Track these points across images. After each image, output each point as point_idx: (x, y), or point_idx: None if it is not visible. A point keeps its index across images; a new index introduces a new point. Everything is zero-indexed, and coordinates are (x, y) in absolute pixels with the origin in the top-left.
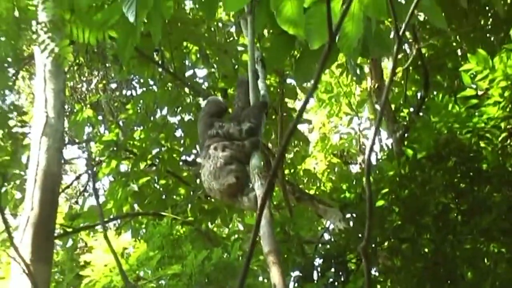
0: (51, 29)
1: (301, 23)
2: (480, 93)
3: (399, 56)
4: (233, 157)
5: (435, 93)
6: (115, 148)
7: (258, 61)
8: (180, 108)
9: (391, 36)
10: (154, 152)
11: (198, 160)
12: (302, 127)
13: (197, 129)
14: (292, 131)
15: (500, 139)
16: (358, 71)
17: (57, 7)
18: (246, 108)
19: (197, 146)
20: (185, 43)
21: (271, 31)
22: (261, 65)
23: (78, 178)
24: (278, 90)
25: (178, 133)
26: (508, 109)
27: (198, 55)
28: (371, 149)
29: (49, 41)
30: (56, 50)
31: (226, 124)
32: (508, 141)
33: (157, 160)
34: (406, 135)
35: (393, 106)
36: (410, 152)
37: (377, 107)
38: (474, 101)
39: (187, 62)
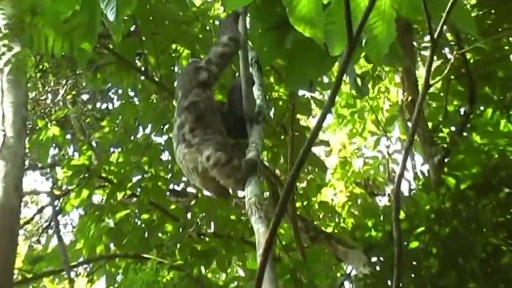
0: (7, 35)
1: (319, 23)
2: None
3: (438, 63)
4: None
5: (482, 108)
6: (86, 175)
7: (252, 64)
8: (167, 126)
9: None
10: (135, 179)
11: (188, 189)
12: (317, 150)
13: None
14: (305, 155)
15: None
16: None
17: (15, 8)
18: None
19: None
20: (174, 46)
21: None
22: (256, 68)
23: (40, 211)
24: (289, 104)
25: (165, 156)
26: None
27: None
28: (401, 177)
29: (5, 49)
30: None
31: (210, 53)
32: None
33: (139, 190)
34: (446, 160)
35: (430, 124)
36: (451, 181)
37: (410, 125)
38: None
39: (176, 69)
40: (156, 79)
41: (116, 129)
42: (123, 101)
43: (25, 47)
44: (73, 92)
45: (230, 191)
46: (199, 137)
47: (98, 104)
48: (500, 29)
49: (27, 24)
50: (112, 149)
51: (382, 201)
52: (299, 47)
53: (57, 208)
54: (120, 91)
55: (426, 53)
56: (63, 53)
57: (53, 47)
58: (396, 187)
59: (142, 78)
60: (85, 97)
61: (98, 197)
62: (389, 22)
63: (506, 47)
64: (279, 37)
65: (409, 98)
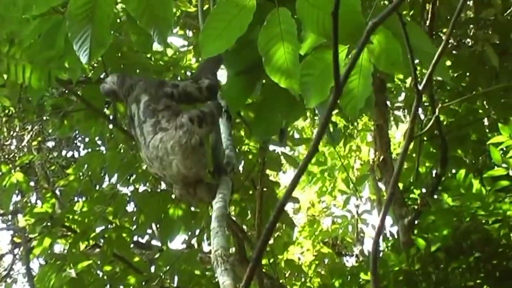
0: None
1: (295, 74)
2: None
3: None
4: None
5: (453, 171)
6: (49, 223)
7: (222, 113)
8: (134, 176)
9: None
10: (98, 230)
11: (153, 242)
12: (286, 207)
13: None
14: (278, 215)
15: None
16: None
17: None
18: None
19: (153, 226)
20: None
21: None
22: (226, 116)
23: (0, 259)
24: (258, 158)
25: (130, 207)
26: None
27: None
28: (379, 235)
29: None
30: None
31: (180, 83)
32: None
33: (102, 240)
34: (416, 221)
35: (401, 185)
36: (422, 242)
37: (381, 185)
38: (505, 182)
39: None
40: (125, 128)
41: (81, 177)
42: (90, 149)
43: None
44: (39, 139)
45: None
46: (173, 122)
47: (63, 152)
48: (474, 92)
49: (4, 54)
50: (76, 198)
51: (350, 261)
52: (269, 94)
53: (17, 256)
54: (86, 139)
55: (399, 113)
56: (41, 85)
57: (31, 78)
58: (373, 247)
59: (110, 126)
60: (50, 144)
61: (60, 247)
62: (366, 77)
63: (480, 111)
64: (249, 82)
65: (381, 157)
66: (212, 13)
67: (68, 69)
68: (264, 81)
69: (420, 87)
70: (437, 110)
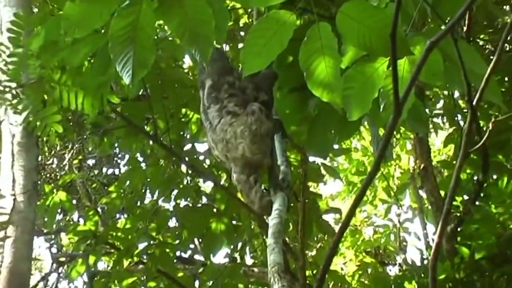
0: (33, 92)
1: (337, 88)
2: None
3: (451, 130)
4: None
5: (495, 177)
6: (92, 241)
7: (279, 129)
8: (176, 191)
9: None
10: (142, 246)
11: (196, 256)
12: (328, 217)
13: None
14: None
15: None
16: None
17: (45, 65)
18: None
19: (195, 240)
20: (183, 110)
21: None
22: (280, 133)
23: (44, 278)
24: (300, 170)
25: (172, 223)
26: None
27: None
28: (438, 247)
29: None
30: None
31: (244, 81)
32: None
33: (146, 257)
34: (459, 229)
35: (442, 192)
36: (465, 251)
37: (421, 193)
38: None
39: (185, 134)
40: (165, 144)
41: (123, 194)
42: (131, 166)
43: (52, 105)
44: (79, 157)
45: None
46: (243, 108)
47: (104, 169)
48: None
49: (56, 81)
50: (118, 215)
51: (393, 270)
52: (322, 110)
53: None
54: (126, 156)
55: (438, 120)
56: (94, 110)
57: (83, 103)
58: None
59: (151, 143)
60: (91, 162)
61: (104, 264)
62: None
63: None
64: (302, 99)
65: (421, 165)
66: (252, 29)
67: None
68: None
69: (474, 103)
70: (490, 125)
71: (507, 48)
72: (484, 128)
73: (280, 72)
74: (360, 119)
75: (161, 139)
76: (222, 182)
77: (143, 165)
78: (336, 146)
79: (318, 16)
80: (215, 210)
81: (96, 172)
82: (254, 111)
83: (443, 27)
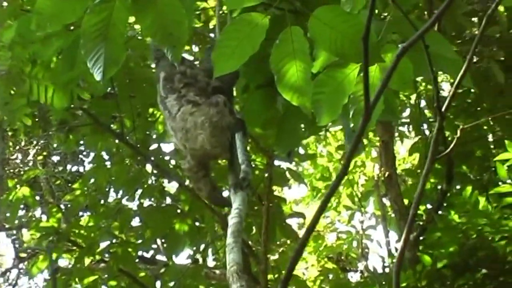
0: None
1: (307, 92)
2: None
3: (416, 139)
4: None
5: (458, 187)
6: (55, 238)
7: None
8: (141, 191)
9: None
10: (104, 244)
11: (158, 257)
12: (291, 222)
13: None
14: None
15: None
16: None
17: (16, 58)
18: None
19: (158, 240)
20: (150, 110)
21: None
22: (242, 132)
23: (4, 274)
24: (266, 174)
25: (135, 222)
26: None
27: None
28: (403, 253)
29: None
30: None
31: (196, 68)
32: None
33: (108, 255)
34: (422, 238)
35: (406, 200)
36: (427, 259)
37: (385, 201)
38: (511, 199)
39: (152, 134)
40: (131, 143)
41: (87, 192)
42: (96, 164)
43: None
44: (44, 153)
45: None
46: (205, 98)
47: (68, 167)
48: (479, 108)
49: (27, 74)
50: (81, 213)
51: (354, 277)
52: (291, 106)
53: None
54: (91, 154)
55: (404, 128)
56: (63, 105)
57: (53, 97)
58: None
59: (117, 141)
60: (55, 158)
61: (65, 261)
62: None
63: (485, 127)
64: (269, 95)
65: (386, 173)
66: (225, 31)
67: (90, 86)
68: None
69: (443, 109)
70: (458, 132)
71: (474, 60)
72: (449, 138)
73: (247, 69)
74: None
75: (127, 138)
76: (186, 183)
77: (108, 163)
78: (301, 151)
79: (291, 20)
80: (179, 211)
81: (60, 168)
82: (218, 102)
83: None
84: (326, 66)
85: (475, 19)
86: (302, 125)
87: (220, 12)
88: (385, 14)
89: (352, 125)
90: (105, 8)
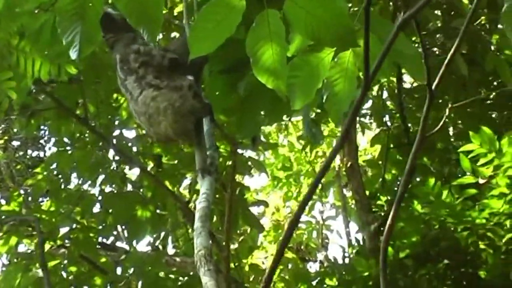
0: None
1: (283, 76)
2: (481, 181)
3: (378, 131)
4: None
5: (417, 179)
6: (15, 222)
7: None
8: (104, 177)
9: None
10: (65, 230)
11: (118, 243)
12: (254, 210)
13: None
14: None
15: (504, 240)
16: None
17: (3, 30)
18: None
19: (118, 227)
20: (115, 95)
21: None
22: (209, 117)
23: None
24: (229, 161)
25: (97, 208)
26: None
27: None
28: (391, 228)
29: None
30: None
31: (151, 44)
32: None
33: (68, 241)
34: (382, 228)
35: (367, 192)
36: (389, 249)
37: (345, 192)
38: (473, 191)
39: (115, 120)
40: (95, 128)
41: (49, 177)
42: (58, 149)
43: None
44: (5, 137)
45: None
46: (167, 81)
47: (29, 152)
48: (441, 100)
49: (14, 47)
50: (41, 199)
51: (313, 267)
52: (252, 92)
53: None
54: (52, 140)
55: (366, 120)
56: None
57: (40, 70)
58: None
59: (80, 126)
60: (16, 143)
61: (25, 246)
62: (351, 80)
63: (446, 119)
64: (232, 81)
65: (349, 163)
66: (201, 13)
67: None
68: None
69: (433, 87)
70: (447, 111)
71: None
72: (411, 130)
73: (210, 54)
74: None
75: (91, 122)
76: (149, 169)
77: (68, 148)
78: (263, 140)
79: (267, 2)
80: (140, 197)
81: (21, 153)
82: (182, 86)
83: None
84: (301, 50)
85: (438, 12)
86: (262, 112)
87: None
88: None
89: (327, 109)
90: None
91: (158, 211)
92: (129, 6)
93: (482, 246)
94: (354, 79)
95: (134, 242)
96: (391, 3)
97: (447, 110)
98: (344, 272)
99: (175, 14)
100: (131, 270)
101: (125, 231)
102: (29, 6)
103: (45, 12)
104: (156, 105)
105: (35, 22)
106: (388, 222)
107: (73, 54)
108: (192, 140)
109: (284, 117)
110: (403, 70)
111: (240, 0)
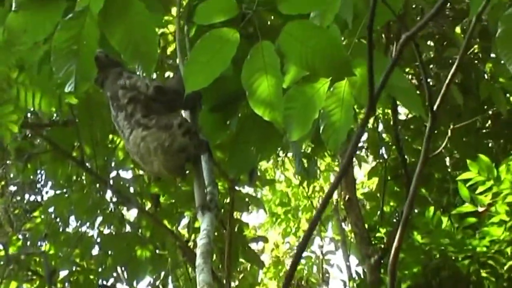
0: None
1: (279, 107)
2: (480, 209)
3: (374, 164)
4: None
5: (416, 211)
6: (15, 267)
7: (206, 149)
8: (101, 218)
9: None
10: (65, 273)
11: (118, 285)
12: (253, 246)
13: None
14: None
15: (506, 268)
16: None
17: (2, 63)
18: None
19: (118, 268)
20: (110, 136)
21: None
22: (207, 154)
23: None
24: (227, 199)
25: (95, 250)
26: None
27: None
28: (398, 251)
29: None
30: None
31: (135, 76)
32: None
33: (68, 284)
34: (383, 260)
35: (366, 224)
36: None
37: (344, 226)
38: (473, 219)
39: (111, 161)
40: (92, 170)
41: (47, 220)
42: (55, 192)
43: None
44: (2, 183)
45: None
46: (155, 119)
47: (26, 196)
48: (436, 132)
49: (14, 80)
50: (41, 241)
51: None
52: (243, 129)
53: None
54: (49, 184)
55: (362, 153)
56: (51, 110)
57: (41, 103)
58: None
59: (77, 168)
60: (13, 188)
61: None
62: (348, 109)
63: (443, 150)
64: (223, 118)
65: (347, 196)
66: (196, 47)
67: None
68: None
69: (435, 108)
70: (449, 132)
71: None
72: (408, 161)
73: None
74: (281, 138)
75: (87, 165)
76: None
77: (66, 190)
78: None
79: (262, 35)
80: (139, 238)
81: (18, 198)
82: (171, 125)
83: None
84: (296, 81)
85: (431, 43)
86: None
87: (180, 37)
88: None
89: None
90: (75, 25)
91: (157, 251)
92: (123, 43)
93: (484, 275)
94: (351, 108)
95: (135, 283)
96: (383, 35)
97: (449, 131)
98: None
99: (168, 53)
100: None
101: (125, 272)
102: (25, 43)
103: (43, 44)
104: (146, 145)
105: (34, 54)
106: (395, 244)
107: (68, 90)
108: (185, 176)
109: (281, 153)
110: (398, 102)
111: (234, 33)
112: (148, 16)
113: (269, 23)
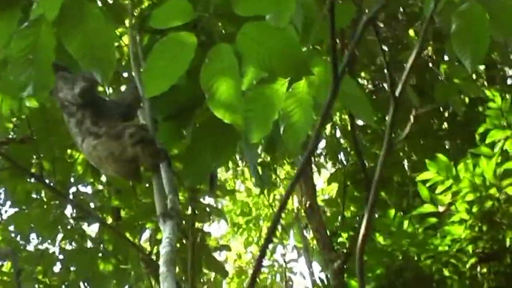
0: None
1: (239, 109)
2: (441, 209)
3: (333, 170)
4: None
5: (376, 215)
6: None
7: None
8: (62, 235)
9: None
10: None
11: None
12: (216, 257)
13: None
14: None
15: (468, 266)
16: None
17: None
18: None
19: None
20: (69, 151)
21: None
22: (167, 163)
23: None
24: (189, 209)
25: (57, 267)
26: (477, 229)
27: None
28: (365, 238)
29: None
30: None
31: (59, 82)
32: (479, 269)
33: None
34: (346, 266)
35: (327, 230)
36: (354, 284)
37: (305, 233)
38: (434, 219)
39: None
40: (51, 186)
41: (8, 237)
42: (17, 209)
43: None
44: None
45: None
46: (105, 127)
47: None
48: (394, 135)
49: None
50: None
51: None
52: (197, 137)
53: None
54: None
55: (321, 160)
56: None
57: (1, 106)
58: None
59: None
60: None
61: None
62: (307, 109)
63: (401, 153)
64: (177, 127)
65: (307, 203)
66: (153, 52)
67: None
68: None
69: (397, 94)
70: (411, 117)
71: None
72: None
73: (152, 102)
74: (235, 145)
75: (47, 180)
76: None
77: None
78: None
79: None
80: (102, 252)
81: None
82: (122, 134)
83: None
84: (255, 82)
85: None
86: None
87: (134, 47)
88: None
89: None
90: (31, 33)
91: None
92: (81, 50)
93: (446, 273)
94: (310, 108)
95: None
96: (337, 41)
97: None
98: None
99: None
100: None
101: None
102: None
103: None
104: (98, 154)
105: None
106: (362, 231)
107: (26, 95)
108: (141, 180)
109: (240, 163)
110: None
111: (191, 36)
112: (104, 22)
113: (223, 31)
